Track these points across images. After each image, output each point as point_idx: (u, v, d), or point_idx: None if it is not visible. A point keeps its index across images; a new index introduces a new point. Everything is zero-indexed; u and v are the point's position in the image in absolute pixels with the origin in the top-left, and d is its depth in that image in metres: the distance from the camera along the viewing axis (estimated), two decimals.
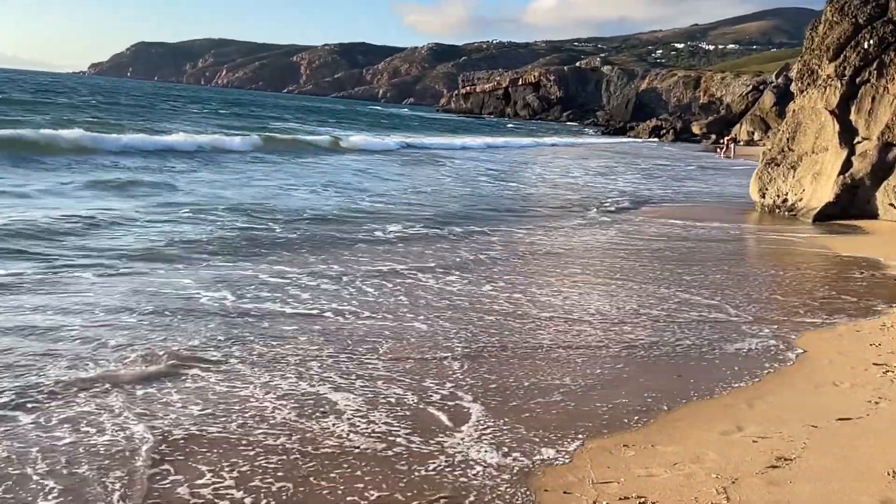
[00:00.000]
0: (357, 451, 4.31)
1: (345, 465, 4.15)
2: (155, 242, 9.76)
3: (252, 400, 4.94)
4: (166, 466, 4.02)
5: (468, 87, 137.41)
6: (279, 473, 4.02)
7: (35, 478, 3.82)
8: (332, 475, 4.04)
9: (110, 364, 5.37)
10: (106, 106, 51.37)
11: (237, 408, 4.80)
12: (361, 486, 3.95)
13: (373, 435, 4.52)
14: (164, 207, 12.70)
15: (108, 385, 5.01)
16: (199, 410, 4.74)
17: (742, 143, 60.00)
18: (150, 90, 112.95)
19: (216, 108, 64.03)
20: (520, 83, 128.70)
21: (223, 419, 4.62)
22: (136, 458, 4.07)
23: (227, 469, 4.03)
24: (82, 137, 22.61)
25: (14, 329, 5.97)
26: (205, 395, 4.99)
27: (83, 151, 20.77)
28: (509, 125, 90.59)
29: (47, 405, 4.64)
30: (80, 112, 40.87)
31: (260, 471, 4.03)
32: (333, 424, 4.64)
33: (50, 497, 3.66)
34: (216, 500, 3.75)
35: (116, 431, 4.36)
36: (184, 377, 5.26)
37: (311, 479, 3.99)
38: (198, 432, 4.42)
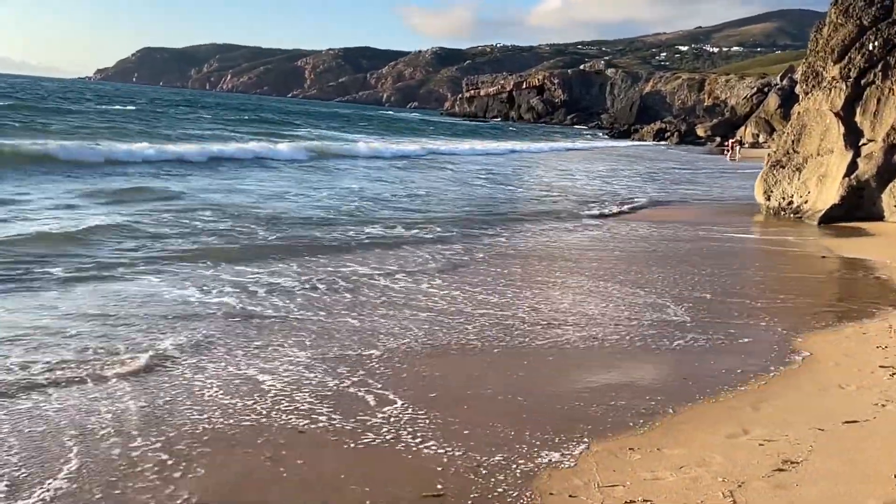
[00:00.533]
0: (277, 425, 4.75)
1: (265, 434, 4.60)
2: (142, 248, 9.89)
3: (181, 379, 5.42)
4: (107, 430, 4.53)
5: (472, 91, 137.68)
6: (205, 438, 4.50)
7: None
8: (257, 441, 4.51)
9: (63, 356, 5.73)
10: (124, 113, 50.17)
11: (167, 386, 5.29)
12: (285, 452, 4.38)
13: (295, 412, 4.94)
14: (157, 211, 12.78)
15: (59, 375, 5.40)
16: (135, 388, 5.21)
17: (747, 145, 59.84)
18: (159, 95, 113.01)
19: (225, 114, 63.01)
20: (524, 86, 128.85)
21: (153, 395, 5.11)
22: (79, 428, 4.57)
23: (154, 434, 4.51)
24: (119, 150, 22.53)
25: None
26: (143, 377, 5.43)
27: (118, 163, 20.64)
28: (511, 128, 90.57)
29: (12, 389, 5.13)
30: (114, 120, 40.17)
31: (187, 437, 4.51)
32: (254, 402, 5.07)
33: (12, 452, 4.25)
34: (140, 463, 4.17)
35: (62, 403, 4.93)
36: (128, 363, 5.65)
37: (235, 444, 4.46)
38: (133, 406, 4.93)
